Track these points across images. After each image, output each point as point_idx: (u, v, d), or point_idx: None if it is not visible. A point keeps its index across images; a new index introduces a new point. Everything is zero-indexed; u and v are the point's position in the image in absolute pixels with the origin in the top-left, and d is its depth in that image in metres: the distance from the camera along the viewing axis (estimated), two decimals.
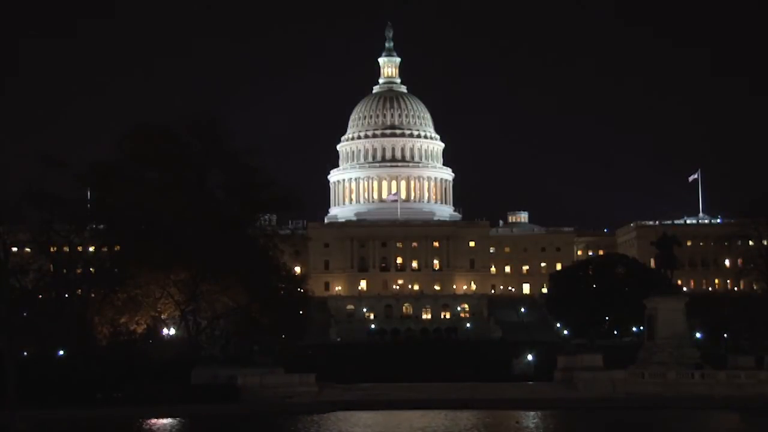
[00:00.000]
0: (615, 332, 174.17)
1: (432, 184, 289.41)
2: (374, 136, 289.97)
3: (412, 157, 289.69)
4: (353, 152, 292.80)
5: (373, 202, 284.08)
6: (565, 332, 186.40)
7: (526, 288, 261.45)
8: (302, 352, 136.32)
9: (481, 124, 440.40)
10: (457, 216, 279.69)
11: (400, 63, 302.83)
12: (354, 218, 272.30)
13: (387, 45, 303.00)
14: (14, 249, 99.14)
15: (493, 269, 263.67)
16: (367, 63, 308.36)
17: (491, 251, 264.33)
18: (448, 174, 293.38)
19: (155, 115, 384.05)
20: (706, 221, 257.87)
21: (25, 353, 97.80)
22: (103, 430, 79.30)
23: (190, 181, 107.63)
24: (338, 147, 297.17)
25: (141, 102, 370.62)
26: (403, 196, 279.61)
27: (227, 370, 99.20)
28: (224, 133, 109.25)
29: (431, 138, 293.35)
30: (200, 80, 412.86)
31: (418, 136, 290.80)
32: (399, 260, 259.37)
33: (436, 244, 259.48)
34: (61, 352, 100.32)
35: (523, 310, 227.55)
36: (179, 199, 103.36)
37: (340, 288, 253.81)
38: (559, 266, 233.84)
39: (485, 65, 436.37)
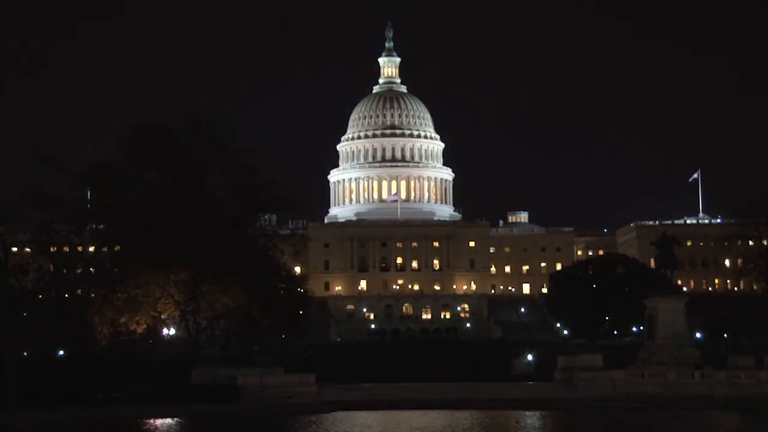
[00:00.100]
0: (615, 332, 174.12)
1: (432, 184, 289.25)
2: (374, 136, 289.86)
3: (412, 157, 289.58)
4: (353, 152, 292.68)
5: (373, 202, 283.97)
6: (565, 332, 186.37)
7: (526, 288, 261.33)
8: (302, 352, 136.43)
9: (481, 124, 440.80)
10: (457, 216, 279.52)
11: (400, 63, 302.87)
12: (354, 218, 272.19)
13: (387, 45, 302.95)
14: (14, 249, 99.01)
15: (493, 269, 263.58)
16: (367, 63, 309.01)
17: (491, 251, 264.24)
18: (448, 174, 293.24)
19: (155, 115, 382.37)
20: (706, 221, 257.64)
21: (25, 353, 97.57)
22: (103, 430, 79.28)
23: (190, 181, 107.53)
24: (338, 147, 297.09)
25: (141, 102, 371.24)
26: (403, 196, 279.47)
27: (227, 370, 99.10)
28: (224, 133, 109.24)
29: (431, 138, 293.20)
30: (200, 80, 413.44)
31: (418, 136, 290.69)
32: (399, 260, 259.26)
33: (436, 244, 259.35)
34: (61, 352, 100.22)
35: (523, 310, 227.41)
36: (179, 199, 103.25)
37: (340, 288, 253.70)
38: (559, 266, 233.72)
39: (485, 65, 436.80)
